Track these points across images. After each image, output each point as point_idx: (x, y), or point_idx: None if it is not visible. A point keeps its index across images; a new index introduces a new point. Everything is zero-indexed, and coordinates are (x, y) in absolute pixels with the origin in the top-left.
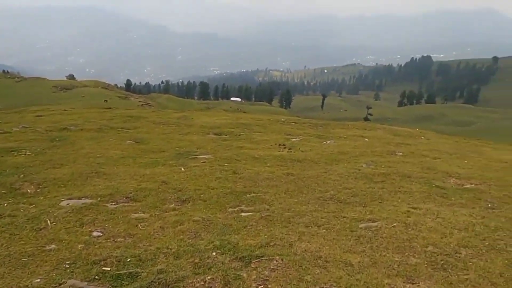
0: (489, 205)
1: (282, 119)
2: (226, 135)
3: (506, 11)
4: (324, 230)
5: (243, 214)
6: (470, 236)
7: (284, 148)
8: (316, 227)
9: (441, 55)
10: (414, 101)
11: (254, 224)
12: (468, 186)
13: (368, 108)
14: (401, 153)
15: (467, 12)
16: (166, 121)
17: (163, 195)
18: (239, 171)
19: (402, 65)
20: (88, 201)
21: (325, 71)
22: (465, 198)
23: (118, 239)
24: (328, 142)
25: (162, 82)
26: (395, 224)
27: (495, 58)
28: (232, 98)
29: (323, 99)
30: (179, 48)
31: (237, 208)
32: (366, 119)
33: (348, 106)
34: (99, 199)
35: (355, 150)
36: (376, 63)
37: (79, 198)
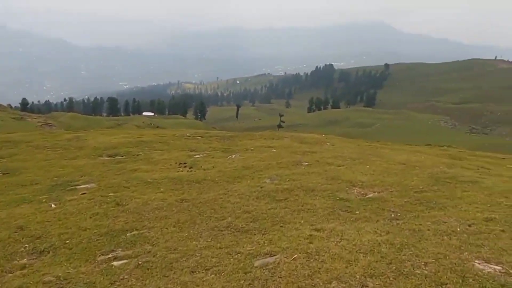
0: (393, 215)
1: (188, 134)
2: (122, 156)
3: (394, 24)
4: (213, 276)
5: (115, 263)
6: (376, 261)
7: (185, 167)
8: (203, 271)
9: (342, 64)
10: (322, 107)
11: (125, 277)
12: (371, 195)
13: (281, 115)
14: (306, 163)
15: (361, 25)
16: (53, 145)
17: (13, 247)
18: (124, 202)
19: (309, 74)
20: None
21: (238, 81)
22: (369, 210)
23: None
24: (233, 156)
25: (65, 100)
26: (295, 255)
27: (386, 65)
28: (144, 113)
29: (238, 109)
30: (83, 62)
31: (110, 255)
32: (279, 126)
33: (262, 114)
34: None
35: (260, 163)
36: (285, 72)
37: None
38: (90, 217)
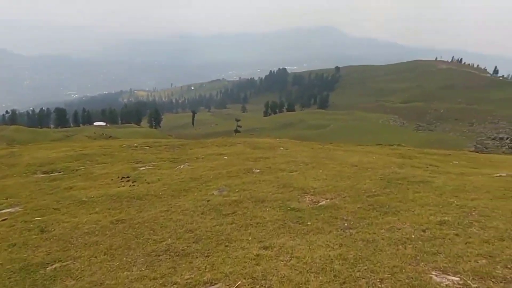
0: (346, 224)
1: (135, 144)
2: (59, 172)
3: (343, 28)
4: None
5: None
6: (328, 281)
7: (127, 181)
8: None
9: (295, 67)
10: (277, 110)
11: None
12: (323, 202)
13: (237, 120)
14: (258, 170)
15: (312, 29)
16: None
17: None
18: (50, 228)
19: (263, 78)
20: None
21: (192, 88)
22: (321, 219)
23: None
24: (182, 166)
25: (7, 112)
26: (239, 282)
27: (337, 68)
28: (95, 123)
29: (193, 116)
30: (26, 72)
31: None
32: (236, 131)
33: (218, 120)
34: None
35: (210, 173)
36: (239, 77)
37: None
38: (6, 249)
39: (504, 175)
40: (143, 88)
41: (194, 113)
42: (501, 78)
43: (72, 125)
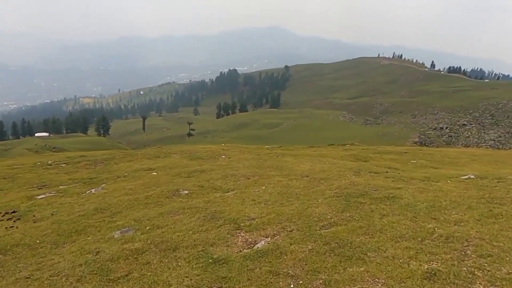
0: (292, 286)
1: (50, 161)
2: None
3: (291, 28)
4: None
5: None
6: None
7: (9, 219)
8: None
9: (245, 68)
10: (230, 111)
11: None
12: (261, 244)
13: (190, 124)
14: (186, 192)
15: (260, 30)
16: None
17: None
18: None
19: (214, 80)
20: None
21: (141, 92)
22: (256, 279)
23: None
24: (93, 190)
25: None
26: None
27: (287, 67)
28: (37, 134)
29: (144, 121)
30: None
31: None
32: (189, 134)
33: (170, 124)
34: None
35: (124, 198)
36: (190, 80)
37: None
38: None
39: (473, 177)
40: (89, 95)
41: (144, 118)
42: (441, 72)
43: (11, 137)
